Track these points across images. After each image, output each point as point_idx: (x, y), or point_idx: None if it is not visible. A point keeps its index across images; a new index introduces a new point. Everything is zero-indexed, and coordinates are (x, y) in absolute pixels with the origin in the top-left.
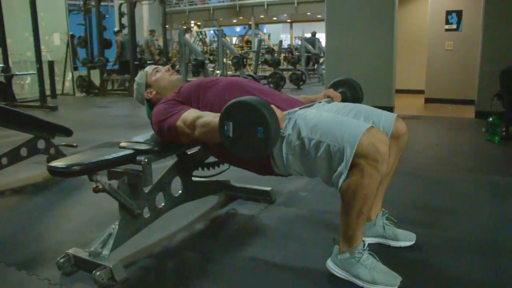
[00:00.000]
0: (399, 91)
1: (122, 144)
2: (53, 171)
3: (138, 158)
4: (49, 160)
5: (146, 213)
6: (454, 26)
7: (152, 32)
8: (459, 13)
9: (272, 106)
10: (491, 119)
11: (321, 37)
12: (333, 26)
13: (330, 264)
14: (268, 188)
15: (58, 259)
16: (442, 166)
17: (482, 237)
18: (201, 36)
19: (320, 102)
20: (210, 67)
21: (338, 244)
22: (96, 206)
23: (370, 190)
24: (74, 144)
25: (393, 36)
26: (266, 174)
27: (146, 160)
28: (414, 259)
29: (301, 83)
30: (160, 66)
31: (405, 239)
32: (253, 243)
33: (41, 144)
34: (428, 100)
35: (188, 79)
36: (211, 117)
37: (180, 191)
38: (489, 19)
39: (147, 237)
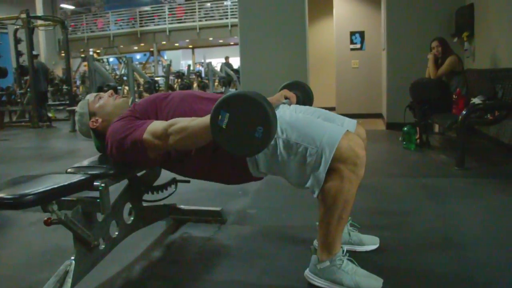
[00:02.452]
0: None
1: (69, 170)
2: (1, 203)
3: (95, 183)
4: None
5: (101, 244)
6: (358, 46)
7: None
8: (361, 34)
9: None
10: (406, 128)
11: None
12: (247, 48)
13: (309, 275)
14: (219, 208)
15: None
16: (373, 173)
17: (434, 233)
18: (103, 64)
19: (283, 103)
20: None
21: (316, 253)
22: (28, 246)
23: (350, 195)
24: None
25: (306, 56)
26: (234, 182)
27: (103, 185)
28: (382, 261)
29: None
30: (101, 93)
31: (370, 243)
32: (219, 264)
33: None
34: None
35: None
36: (187, 122)
37: (132, 218)
38: (391, 39)
39: (102, 271)
